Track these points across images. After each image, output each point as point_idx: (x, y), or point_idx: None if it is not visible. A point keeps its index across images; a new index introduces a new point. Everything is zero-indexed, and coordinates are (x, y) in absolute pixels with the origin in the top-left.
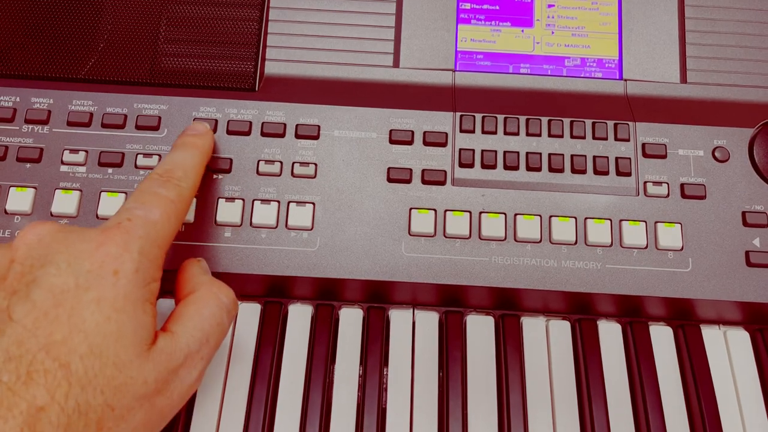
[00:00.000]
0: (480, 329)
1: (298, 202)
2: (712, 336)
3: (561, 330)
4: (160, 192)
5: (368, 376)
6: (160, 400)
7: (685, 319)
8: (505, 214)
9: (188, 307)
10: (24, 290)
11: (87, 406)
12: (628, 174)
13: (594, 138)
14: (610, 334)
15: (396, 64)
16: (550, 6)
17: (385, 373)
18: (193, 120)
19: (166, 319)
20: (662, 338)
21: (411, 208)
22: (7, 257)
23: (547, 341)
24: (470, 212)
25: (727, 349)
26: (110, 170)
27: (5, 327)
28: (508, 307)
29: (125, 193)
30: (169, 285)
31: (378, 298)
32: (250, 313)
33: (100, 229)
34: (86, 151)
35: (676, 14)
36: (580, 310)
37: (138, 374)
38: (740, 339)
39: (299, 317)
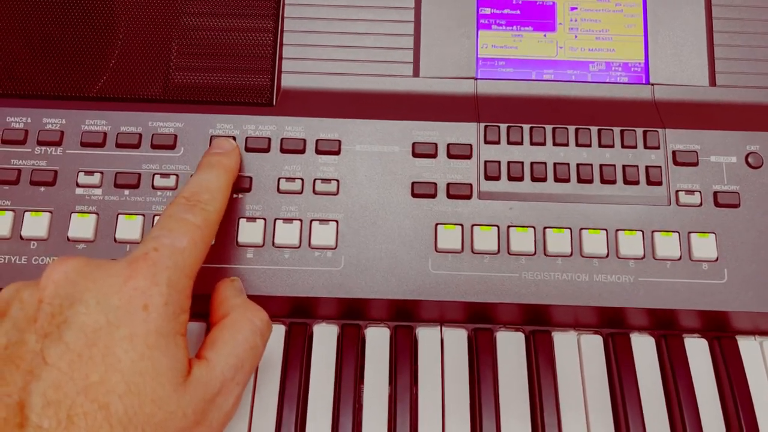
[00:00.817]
0: (511, 346)
1: (321, 221)
2: (748, 347)
3: (593, 345)
4: (187, 218)
5: (398, 396)
6: (199, 430)
7: (720, 330)
8: (533, 227)
9: (222, 332)
10: (56, 332)
11: None
12: (659, 183)
13: (623, 146)
14: (644, 348)
15: (416, 73)
16: (572, 9)
17: (414, 392)
18: (210, 138)
19: (201, 345)
20: (697, 351)
21: (437, 224)
22: (35, 297)
23: (579, 356)
24: (498, 226)
25: (764, 360)
26: (127, 192)
27: (41, 371)
28: (537, 322)
29: (143, 215)
30: (196, 308)
31: (404, 316)
32: (275, 335)
33: (127, 260)
34: (101, 173)
35: (703, 14)
36: (612, 324)
37: (177, 408)
38: None
39: (325, 338)
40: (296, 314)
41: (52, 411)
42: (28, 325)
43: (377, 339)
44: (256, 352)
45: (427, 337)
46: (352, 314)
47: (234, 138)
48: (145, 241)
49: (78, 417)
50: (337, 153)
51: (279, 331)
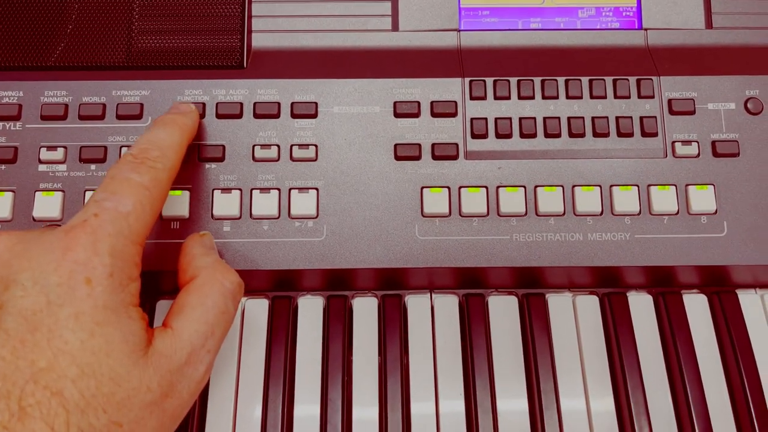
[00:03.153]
0: (503, 310)
1: (300, 189)
2: (749, 301)
3: (589, 306)
4: (133, 177)
5: (389, 366)
6: (170, 403)
7: (719, 284)
8: (524, 187)
9: (189, 297)
10: None
11: (91, 428)
12: (655, 134)
13: (616, 97)
14: (641, 306)
15: (395, 27)
16: None
17: (405, 362)
18: None
19: (168, 313)
20: (697, 307)
21: (422, 187)
22: None
23: (575, 318)
24: (486, 187)
25: (765, 313)
26: (93, 166)
27: None
28: (531, 285)
29: None
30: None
31: (392, 284)
32: (257, 310)
33: (65, 229)
34: (65, 147)
35: None
36: (608, 283)
37: (139, 383)
38: None
39: (310, 310)
40: (279, 287)
41: (3, 403)
42: None
43: (365, 309)
44: (228, 317)
45: (416, 304)
46: (337, 285)
47: (204, 105)
48: (86, 205)
49: (31, 407)
50: (314, 116)
51: (262, 305)
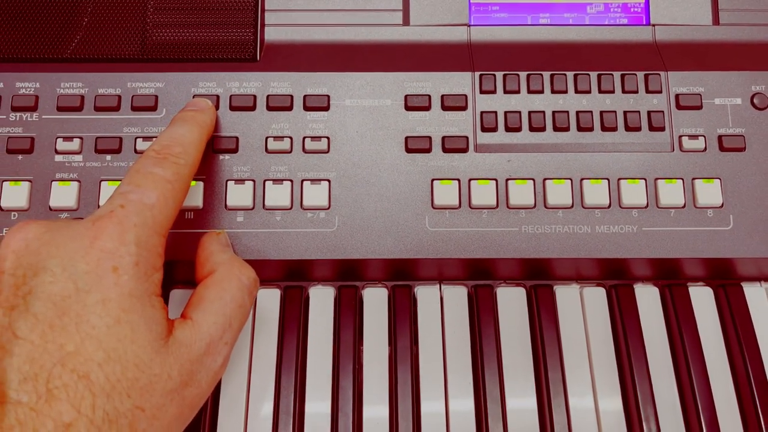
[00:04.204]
0: (512, 301)
1: (313, 180)
2: (754, 293)
3: (596, 297)
4: (156, 172)
5: (399, 356)
6: (189, 391)
7: (725, 277)
8: (533, 179)
9: (208, 291)
10: (22, 304)
11: (116, 413)
12: (662, 128)
13: (624, 92)
14: (648, 298)
15: (406, 21)
16: None
17: (415, 352)
18: (193, 97)
19: (186, 305)
20: (702, 299)
21: (433, 179)
22: None
23: (582, 309)
24: (496, 180)
25: None
26: (108, 157)
27: (12, 346)
28: (539, 276)
29: None
30: (188, 275)
31: (402, 275)
32: (269, 300)
33: (92, 219)
34: (81, 138)
35: None
36: (615, 275)
37: (161, 370)
38: None
39: (322, 300)
40: (291, 277)
41: (30, 385)
42: None
43: (375, 299)
44: (244, 311)
45: (426, 295)
46: (348, 275)
47: (218, 97)
48: (111, 197)
49: (58, 389)
50: (326, 109)
51: (274, 295)
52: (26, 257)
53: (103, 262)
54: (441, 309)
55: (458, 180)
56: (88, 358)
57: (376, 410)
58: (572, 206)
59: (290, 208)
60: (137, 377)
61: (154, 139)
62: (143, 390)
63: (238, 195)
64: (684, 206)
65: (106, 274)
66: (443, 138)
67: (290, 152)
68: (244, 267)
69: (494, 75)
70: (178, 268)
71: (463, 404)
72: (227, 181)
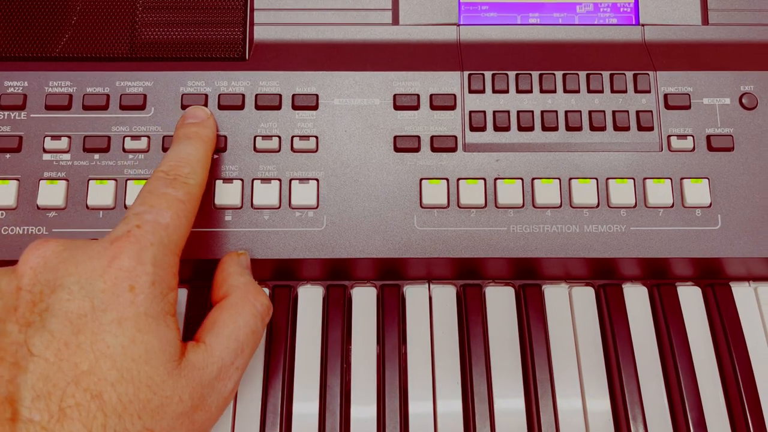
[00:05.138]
0: (500, 300)
1: (301, 179)
2: (742, 293)
3: (585, 296)
4: (169, 192)
5: (387, 355)
6: (199, 415)
7: (713, 277)
8: (521, 179)
9: (222, 315)
10: (39, 321)
11: None
12: (651, 128)
13: (612, 91)
14: (636, 298)
15: (395, 21)
16: None
17: (403, 351)
18: (182, 96)
19: (200, 328)
20: (691, 299)
21: (421, 179)
22: (13, 285)
23: (570, 309)
24: (484, 179)
25: (758, 305)
26: (97, 156)
27: (27, 363)
28: (527, 276)
29: (115, 180)
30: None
31: (391, 274)
32: None
33: (109, 240)
34: (69, 137)
35: None
36: (604, 275)
37: (173, 393)
38: None
39: (310, 300)
40: (279, 277)
41: (43, 404)
42: (8, 315)
43: (364, 299)
44: (257, 337)
45: (414, 295)
46: (337, 275)
47: (206, 96)
48: (126, 218)
49: (71, 409)
50: (315, 108)
51: None
52: (44, 274)
53: (120, 281)
54: (430, 308)
55: (447, 179)
56: (102, 377)
57: (363, 410)
58: (561, 206)
59: (278, 208)
60: (149, 399)
61: (142, 138)
62: (154, 412)
63: (226, 194)
64: (672, 206)
65: (123, 293)
66: (432, 137)
67: (279, 151)
68: (259, 293)
69: (483, 74)
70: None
71: (451, 405)
72: (215, 179)
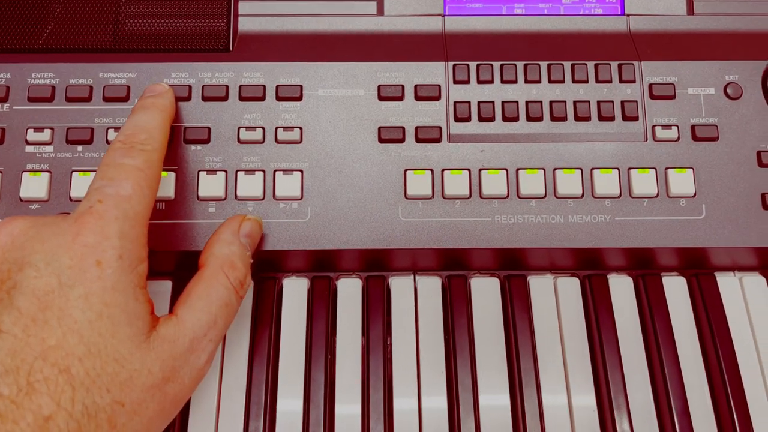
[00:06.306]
0: (485, 292)
1: (285, 171)
2: (727, 283)
3: (570, 287)
4: (126, 162)
5: (372, 347)
6: (171, 388)
7: (698, 267)
8: (506, 169)
9: (196, 287)
10: (6, 298)
11: (95, 407)
12: (635, 118)
13: (597, 81)
14: (621, 288)
15: (380, 11)
16: None
17: (388, 343)
18: None
19: (177, 301)
20: (676, 289)
21: (406, 170)
22: None
23: (556, 300)
24: (469, 170)
25: (743, 295)
26: (80, 148)
27: None
28: (513, 266)
29: None
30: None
31: (376, 266)
32: None
33: (73, 216)
34: (52, 129)
35: None
36: (589, 265)
37: (141, 365)
38: (757, 284)
39: (295, 291)
40: (264, 268)
41: (12, 378)
42: None
43: (349, 290)
44: (231, 309)
45: (400, 286)
46: (322, 266)
47: (190, 87)
48: (87, 194)
49: (39, 383)
50: (299, 99)
51: None
52: (11, 252)
53: (86, 257)
54: (415, 300)
55: (431, 170)
56: (69, 352)
57: (347, 402)
58: (545, 196)
59: (262, 199)
60: (117, 372)
61: None
62: (123, 385)
63: (209, 185)
64: (657, 196)
65: (90, 268)
66: (416, 128)
67: (262, 142)
68: (234, 267)
69: (468, 65)
70: (151, 259)
71: (436, 399)
72: (199, 171)
